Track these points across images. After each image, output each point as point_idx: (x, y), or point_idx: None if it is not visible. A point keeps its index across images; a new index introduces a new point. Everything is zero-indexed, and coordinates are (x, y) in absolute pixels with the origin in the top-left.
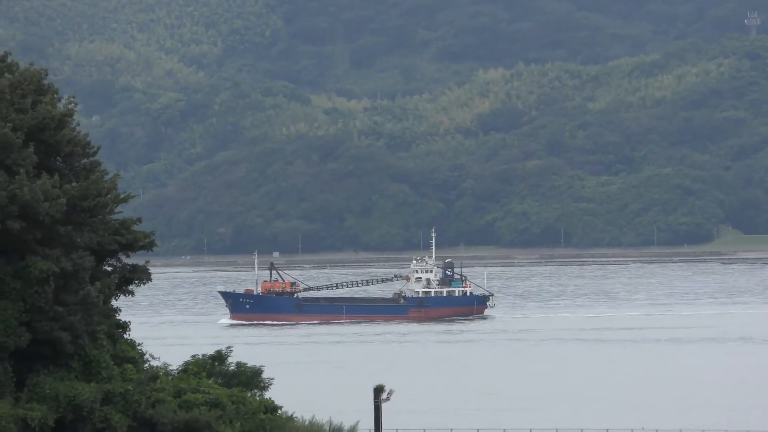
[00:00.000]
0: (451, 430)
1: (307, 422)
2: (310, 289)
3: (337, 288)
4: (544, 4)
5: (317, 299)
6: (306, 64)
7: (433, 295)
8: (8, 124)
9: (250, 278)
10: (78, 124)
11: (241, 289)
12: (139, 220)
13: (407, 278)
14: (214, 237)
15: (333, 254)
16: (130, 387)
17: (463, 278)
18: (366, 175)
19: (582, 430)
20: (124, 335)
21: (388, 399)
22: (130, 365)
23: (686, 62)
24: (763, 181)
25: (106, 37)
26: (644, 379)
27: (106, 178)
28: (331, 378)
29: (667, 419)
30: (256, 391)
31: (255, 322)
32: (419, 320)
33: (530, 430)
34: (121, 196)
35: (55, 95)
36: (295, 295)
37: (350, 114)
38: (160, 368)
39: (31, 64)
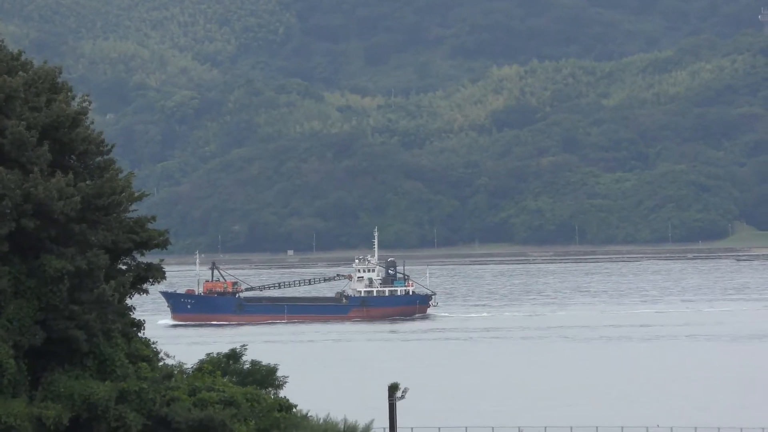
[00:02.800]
0: (466, 428)
1: (321, 420)
2: (252, 289)
3: (280, 288)
4: (558, 1)
5: (259, 299)
6: (320, 61)
7: (375, 294)
8: (22, 123)
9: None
10: (92, 122)
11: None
12: (154, 218)
13: (349, 277)
14: (229, 235)
15: (347, 252)
16: (144, 385)
17: (406, 277)
18: (380, 172)
19: (597, 427)
20: (139, 334)
21: (402, 397)
22: (144, 363)
23: (700, 58)
24: None
25: (120, 35)
26: (657, 377)
27: (121, 176)
28: (339, 377)
29: (681, 417)
30: (270, 389)
31: (197, 322)
32: (361, 320)
33: (545, 428)
34: (136, 194)
35: (69, 93)
36: (237, 295)
37: (364, 111)
38: (175, 367)
39: (45, 63)
